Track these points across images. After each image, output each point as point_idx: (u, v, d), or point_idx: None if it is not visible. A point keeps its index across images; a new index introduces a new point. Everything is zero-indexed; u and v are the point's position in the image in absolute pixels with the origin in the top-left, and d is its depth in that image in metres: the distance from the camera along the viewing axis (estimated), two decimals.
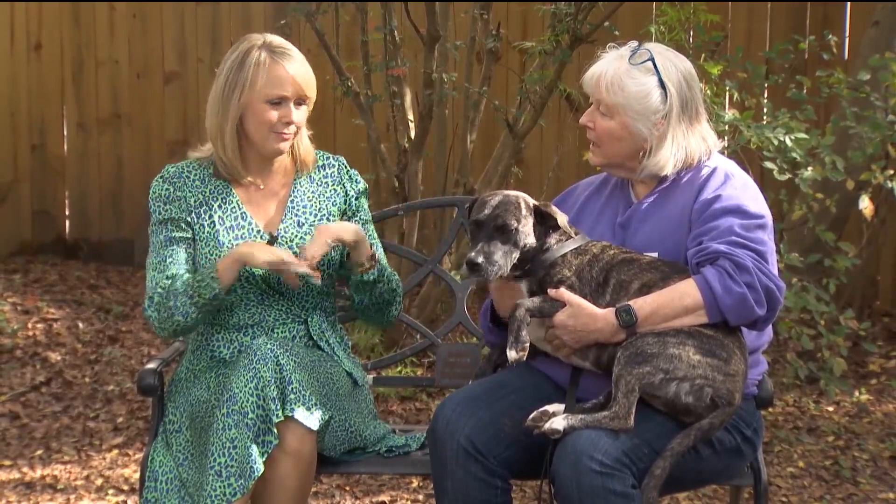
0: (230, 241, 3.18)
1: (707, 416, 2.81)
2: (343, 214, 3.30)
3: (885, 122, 4.71)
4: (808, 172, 4.51)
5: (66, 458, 4.77)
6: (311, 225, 3.24)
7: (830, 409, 5.15)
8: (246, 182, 3.25)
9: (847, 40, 6.20)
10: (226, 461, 2.89)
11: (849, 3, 6.28)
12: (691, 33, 5.10)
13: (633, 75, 2.99)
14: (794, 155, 4.46)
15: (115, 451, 4.83)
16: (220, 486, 2.89)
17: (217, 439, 2.91)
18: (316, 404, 2.98)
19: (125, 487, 4.50)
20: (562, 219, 2.95)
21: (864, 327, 4.80)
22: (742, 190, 2.95)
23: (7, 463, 4.73)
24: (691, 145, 3.02)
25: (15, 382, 5.46)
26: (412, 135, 5.48)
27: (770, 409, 4.59)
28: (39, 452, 4.83)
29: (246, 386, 2.93)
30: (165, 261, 3.15)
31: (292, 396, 2.94)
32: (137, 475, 4.29)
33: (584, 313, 2.86)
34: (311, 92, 3.20)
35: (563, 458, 2.76)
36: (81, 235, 7.28)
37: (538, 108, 5.22)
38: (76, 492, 4.47)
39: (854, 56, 5.83)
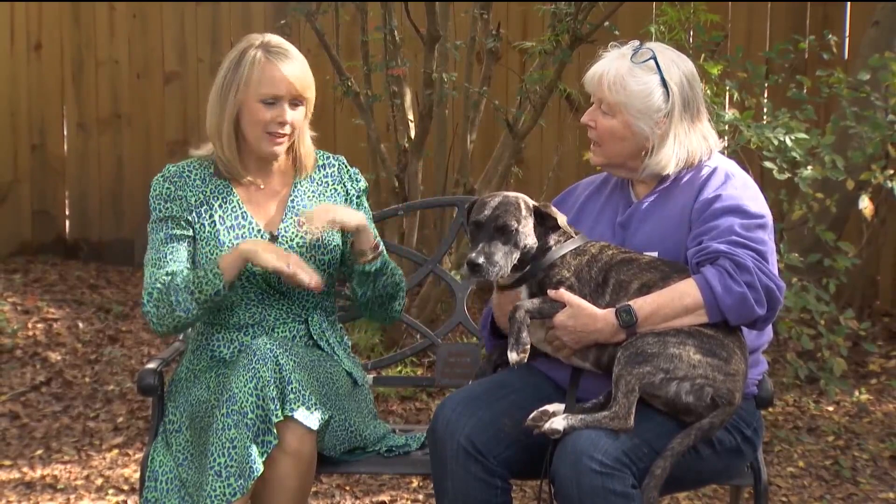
0: (231, 240, 3.18)
1: (707, 416, 2.81)
2: None
3: (885, 122, 4.70)
4: (808, 171, 4.51)
5: (67, 458, 4.77)
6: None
7: (830, 408, 5.15)
8: (246, 181, 3.25)
9: (847, 40, 6.20)
10: (225, 461, 2.89)
11: (849, 3, 6.28)
12: (691, 33, 5.10)
13: (636, 74, 2.99)
14: (794, 154, 4.46)
15: (115, 451, 4.83)
16: (219, 486, 2.89)
17: (217, 439, 2.91)
18: (316, 404, 2.98)
19: (125, 487, 4.51)
20: (561, 219, 2.96)
21: (864, 327, 4.80)
22: (742, 190, 2.95)
23: (7, 463, 4.73)
24: (693, 144, 3.02)
25: (15, 382, 5.46)
26: (412, 135, 5.48)
27: (770, 409, 4.59)
28: (39, 452, 4.83)
29: (245, 386, 2.93)
30: (165, 257, 3.15)
31: (292, 396, 2.94)
32: (137, 475, 4.29)
33: (584, 314, 2.86)
34: (308, 93, 3.19)
35: (563, 458, 2.76)
36: (81, 235, 7.28)
37: (538, 108, 5.22)
38: (76, 492, 4.47)
39: (854, 56, 5.83)
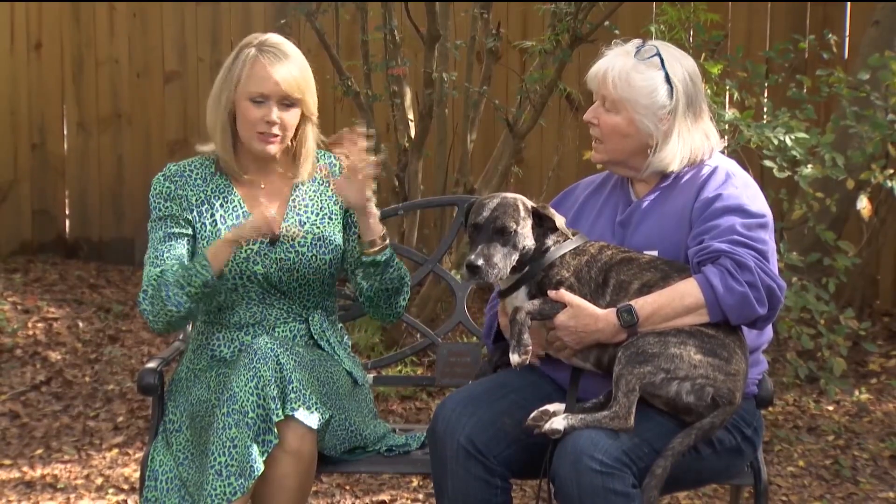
0: None
1: (708, 416, 2.81)
2: (345, 213, 3.30)
3: (885, 122, 4.70)
4: (808, 170, 4.51)
5: (67, 458, 4.77)
6: (312, 224, 3.24)
7: (830, 408, 5.15)
8: (247, 180, 3.25)
9: (847, 40, 6.20)
10: (226, 460, 2.89)
11: (849, 3, 6.28)
12: (691, 33, 5.10)
13: (640, 70, 2.99)
14: (794, 153, 4.46)
15: (116, 451, 4.83)
16: (220, 486, 2.89)
17: (217, 438, 2.91)
18: (316, 403, 2.98)
19: (125, 487, 4.51)
20: (559, 220, 2.95)
21: (864, 327, 4.80)
22: (743, 189, 2.95)
23: (7, 462, 4.73)
24: (695, 142, 3.02)
25: (15, 382, 5.46)
26: (412, 134, 5.48)
27: (770, 409, 4.60)
28: (39, 452, 4.83)
29: (246, 385, 2.93)
30: (163, 256, 3.15)
31: (293, 396, 2.94)
32: (137, 474, 4.29)
33: (584, 314, 2.86)
34: (298, 94, 3.17)
35: (563, 458, 2.76)
36: (81, 235, 7.29)
37: (538, 107, 5.22)
38: (76, 491, 4.48)
39: (854, 55, 5.83)
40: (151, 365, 3.24)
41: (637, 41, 3.07)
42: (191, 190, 3.23)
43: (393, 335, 5.46)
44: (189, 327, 3.45)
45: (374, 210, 3.16)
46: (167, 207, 3.20)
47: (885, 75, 4.77)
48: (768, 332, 3.06)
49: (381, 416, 4.04)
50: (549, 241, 2.95)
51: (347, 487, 4.51)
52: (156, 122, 7.13)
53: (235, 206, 3.23)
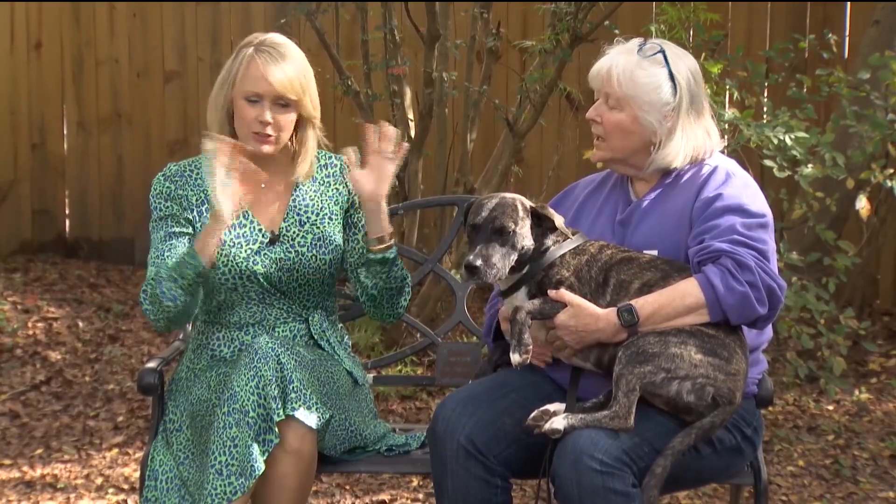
0: (231, 238, 3.18)
1: (708, 415, 2.81)
2: (346, 213, 3.30)
3: (885, 121, 4.70)
4: (808, 170, 4.51)
5: (67, 457, 4.77)
6: (312, 224, 3.24)
7: (830, 407, 5.15)
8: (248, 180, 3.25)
9: (847, 39, 6.20)
10: (226, 460, 2.89)
11: (849, 3, 6.28)
12: (691, 32, 5.10)
13: (644, 67, 3.00)
14: (794, 153, 4.47)
15: (116, 450, 4.84)
16: (220, 485, 2.89)
17: (218, 438, 2.91)
18: (316, 403, 2.98)
19: (125, 486, 4.51)
20: (558, 220, 2.95)
21: (864, 326, 4.80)
22: (743, 189, 2.95)
23: (7, 462, 4.73)
24: (698, 139, 3.03)
25: (15, 381, 5.46)
26: (412, 134, 5.48)
27: (770, 408, 4.60)
28: (39, 451, 4.83)
29: (247, 385, 2.93)
30: (163, 255, 3.15)
31: (293, 395, 2.94)
32: (137, 474, 4.30)
33: (585, 313, 2.86)
34: (293, 95, 3.15)
35: (563, 458, 2.76)
36: (82, 234, 7.29)
37: (538, 107, 5.23)
38: (76, 491, 4.48)
39: (854, 55, 5.83)
40: (151, 365, 3.24)
41: (638, 39, 3.07)
42: (191, 190, 3.23)
43: (393, 335, 5.46)
44: (189, 327, 3.46)
45: (385, 206, 3.16)
46: (168, 207, 3.20)
47: (885, 75, 4.77)
48: (768, 331, 3.06)
49: (381, 416, 4.04)
50: (549, 241, 2.95)
51: (347, 487, 4.51)
52: (156, 122, 7.13)
53: None
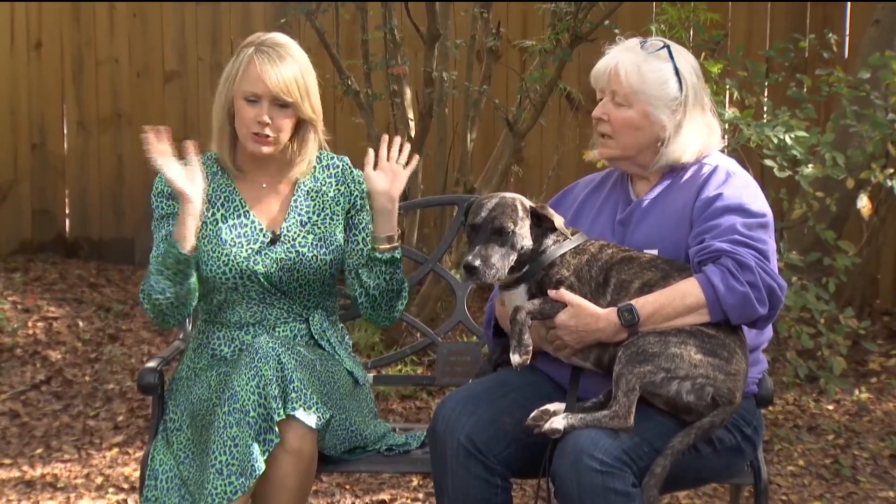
0: (232, 238, 3.18)
1: (708, 415, 2.81)
2: (347, 214, 3.30)
3: (885, 121, 4.70)
4: (809, 170, 4.51)
5: (67, 457, 4.77)
6: (313, 224, 3.24)
7: (830, 407, 5.15)
8: (249, 179, 3.25)
9: (847, 39, 6.20)
10: (227, 459, 2.90)
11: (849, 3, 6.28)
12: (691, 32, 5.10)
13: (650, 62, 3.01)
14: (794, 153, 4.47)
15: (116, 450, 4.84)
16: (220, 485, 2.89)
17: (218, 437, 2.91)
18: (317, 403, 2.98)
19: (125, 486, 4.51)
20: (558, 220, 2.95)
21: (864, 326, 4.80)
22: (744, 188, 2.95)
23: (7, 461, 4.73)
24: (704, 134, 3.04)
25: (15, 381, 5.46)
26: (412, 133, 5.48)
27: (770, 408, 4.59)
28: (39, 451, 4.83)
29: (247, 384, 2.93)
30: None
31: (293, 395, 2.94)
32: (138, 474, 4.30)
33: (585, 313, 2.86)
34: (291, 96, 3.14)
35: (563, 457, 2.76)
36: (82, 234, 7.29)
37: (538, 106, 5.23)
38: (76, 490, 4.48)
39: (854, 55, 5.83)
40: (151, 364, 3.24)
41: (638, 38, 3.09)
42: None
43: (393, 335, 5.46)
44: (189, 326, 3.46)
45: (397, 205, 3.18)
46: (169, 206, 3.20)
47: (886, 75, 4.77)
48: (768, 331, 3.06)
49: (382, 416, 4.04)
50: (549, 241, 2.95)
51: (347, 487, 4.51)
52: (156, 121, 6.99)
53: (237, 205, 3.23)
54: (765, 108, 4.86)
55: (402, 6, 5.34)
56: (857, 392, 5.20)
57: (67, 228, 7.32)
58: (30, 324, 6.03)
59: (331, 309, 3.33)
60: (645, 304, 2.83)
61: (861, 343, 5.09)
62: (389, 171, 3.18)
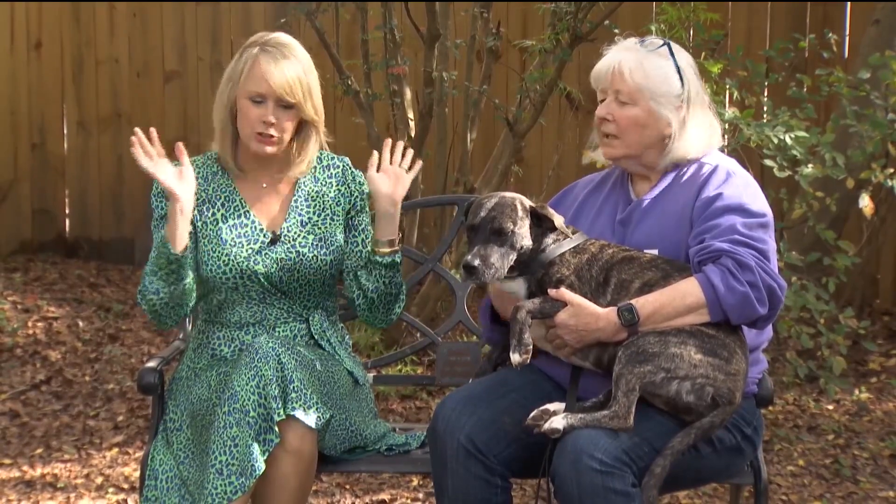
0: (232, 238, 3.18)
1: (708, 415, 2.81)
2: (347, 215, 3.30)
3: (885, 121, 4.70)
4: (809, 170, 4.51)
5: (67, 457, 4.77)
6: (314, 224, 3.24)
7: (830, 407, 5.15)
8: (249, 179, 3.25)
9: (847, 39, 6.20)
10: (227, 459, 2.90)
11: (849, 2, 6.28)
12: (691, 32, 5.10)
13: (652, 60, 3.02)
14: (794, 153, 4.47)
15: (116, 450, 4.83)
16: (220, 485, 2.89)
17: (218, 437, 2.91)
18: (317, 403, 2.98)
19: (125, 486, 4.51)
20: (558, 220, 2.95)
21: (864, 326, 4.80)
22: (744, 188, 2.95)
23: (7, 461, 4.73)
24: (706, 131, 3.05)
25: (15, 381, 5.46)
26: (412, 133, 5.48)
27: (770, 408, 4.59)
28: (39, 451, 4.83)
29: (247, 384, 2.93)
30: None
31: (294, 395, 2.94)
32: (138, 474, 4.30)
33: (585, 312, 2.86)
34: (295, 97, 3.14)
35: (563, 457, 2.76)
36: (82, 234, 7.29)
37: (538, 106, 5.23)
38: (76, 490, 4.48)
39: (854, 55, 5.83)
40: (151, 364, 3.24)
41: (635, 38, 3.09)
42: None
43: (393, 334, 5.46)
44: (189, 326, 3.46)
45: (399, 209, 3.18)
46: (168, 206, 3.19)
47: (886, 74, 4.77)
48: (768, 331, 3.06)
49: (381, 416, 4.04)
50: (549, 240, 2.95)
51: (347, 487, 4.51)
52: (156, 121, 7.10)
53: (237, 205, 3.23)
54: (765, 108, 4.86)
55: (402, 6, 5.34)
56: (857, 392, 5.21)
57: (67, 228, 7.32)
58: (30, 324, 6.03)
59: (331, 309, 3.33)
60: (645, 303, 2.83)
61: (861, 343, 5.09)
62: (392, 175, 3.17)
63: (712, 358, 2.81)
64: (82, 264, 7.11)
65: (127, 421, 5.11)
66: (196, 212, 3.20)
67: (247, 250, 3.18)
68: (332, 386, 3.11)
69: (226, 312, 3.22)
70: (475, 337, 3.69)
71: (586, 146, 3.23)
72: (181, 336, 3.50)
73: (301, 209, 3.25)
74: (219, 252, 3.17)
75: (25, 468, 4.66)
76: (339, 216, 3.28)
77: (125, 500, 4.39)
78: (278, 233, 3.22)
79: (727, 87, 4.80)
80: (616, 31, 4.57)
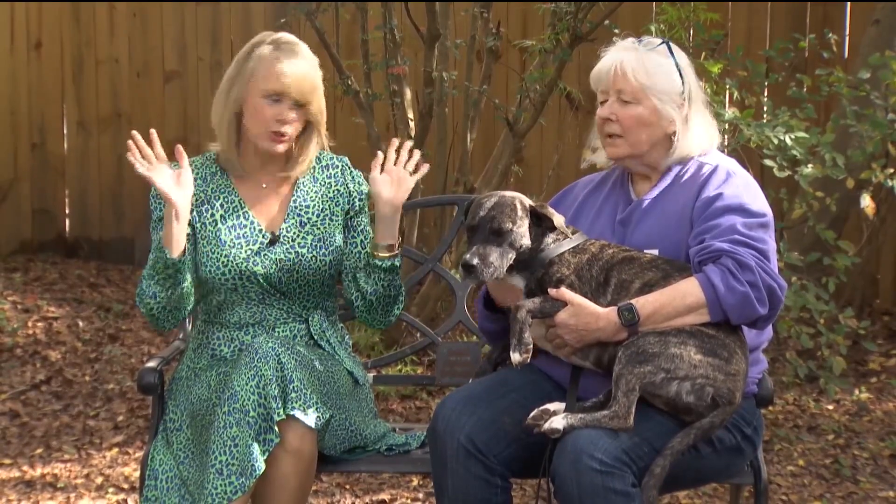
0: (232, 239, 3.18)
1: (708, 416, 2.81)
2: (346, 214, 3.29)
3: (885, 121, 4.70)
4: (808, 170, 4.51)
5: (67, 457, 4.77)
6: (313, 225, 3.24)
7: (830, 407, 5.15)
8: (249, 180, 3.25)
9: (847, 39, 6.20)
10: (227, 459, 2.90)
11: (849, 2, 6.28)
12: (691, 32, 5.10)
13: (653, 58, 3.02)
14: (794, 153, 4.47)
15: (116, 450, 4.83)
16: (220, 485, 2.89)
17: (218, 437, 2.91)
18: (317, 403, 2.98)
19: (125, 486, 4.51)
20: (558, 220, 2.95)
21: (864, 326, 4.80)
22: (744, 188, 2.95)
23: (7, 461, 4.73)
24: (707, 130, 3.06)
25: (15, 381, 5.46)
26: (412, 133, 5.48)
27: (770, 408, 4.59)
28: (39, 451, 4.83)
29: (247, 384, 2.93)
30: None
31: (293, 395, 2.94)
32: (138, 474, 4.29)
33: (585, 312, 2.86)
34: (311, 95, 3.16)
35: (563, 457, 2.76)
36: (82, 234, 7.29)
37: (538, 106, 5.23)
38: (76, 490, 4.48)
39: (854, 55, 5.83)
40: (151, 364, 3.24)
41: (632, 38, 3.10)
42: None
43: (393, 335, 5.46)
44: (189, 326, 3.46)
45: (400, 214, 3.17)
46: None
47: (886, 74, 4.77)
48: (768, 331, 3.06)
49: (381, 416, 4.04)
50: (549, 240, 2.95)
51: (347, 487, 4.51)
52: (156, 122, 7.11)
53: (236, 205, 3.23)
54: (765, 108, 4.86)
55: (402, 6, 5.34)
56: (857, 392, 5.20)
57: (67, 228, 7.32)
58: (30, 324, 6.03)
59: (330, 309, 3.33)
60: (645, 303, 2.83)
61: (861, 343, 5.09)
62: (395, 178, 3.15)
63: (712, 358, 2.81)
64: (82, 264, 7.11)
65: (127, 421, 5.11)
66: (195, 213, 3.19)
67: (246, 251, 3.18)
68: (331, 386, 3.11)
69: (225, 313, 3.22)
70: (475, 337, 3.69)
71: (585, 149, 3.23)
72: (181, 336, 3.50)
73: (300, 210, 3.25)
74: (218, 253, 3.17)
75: (25, 468, 4.66)
76: (338, 217, 3.28)
77: (125, 500, 4.39)
78: (277, 233, 3.22)
79: (727, 87, 4.80)
80: (616, 31, 4.59)
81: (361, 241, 3.27)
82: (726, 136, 4.56)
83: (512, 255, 2.90)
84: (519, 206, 2.92)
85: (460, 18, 5.71)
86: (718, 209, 2.90)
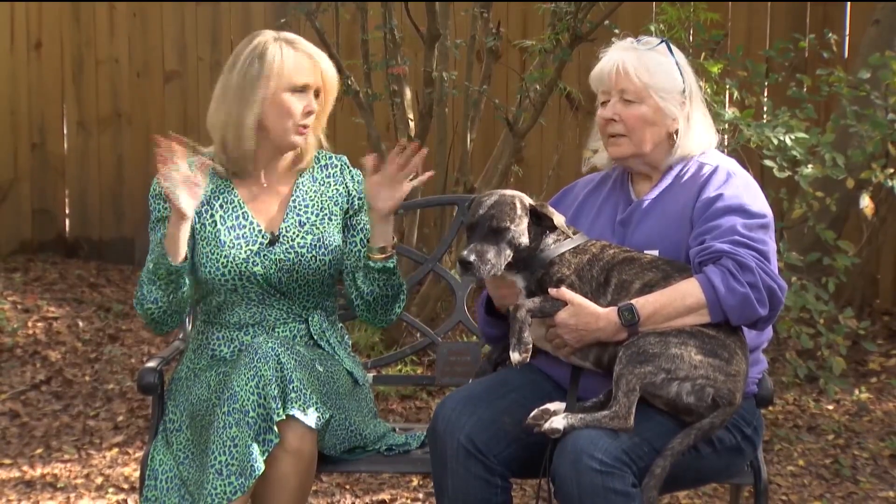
0: (231, 240, 3.18)
1: (708, 416, 2.81)
2: (345, 213, 3.29)
3: (885, 121, 4.70)
4: (808, 170, 4.51)
5: (67, 457, 4.77)
6: (312, 224, 3.23)
7: (830, 407, 5.15)
8: (248, 180, 3.24)
9: (847, 39, 6.20)
10: (226, 459, 2.89)
11: (849, 2, 6.28)
12: (691, 32, 5.10)
13: (654, 57, 3.03)
14: (794, 153, 4.47)
15: (116, 450, 4.83)
16: (220, 485, 2.89)
17: (218, 437, 2.91)
18: (316, 403, 2.98)
19: (125, 486, 4.51)
20: (558, 219, 2.95)
21: (864, 326, 4.80)
22: (744, 189, 2.95)
23: (7, 461, 4.73)
24: (708, 128, 3.06)
25: (15, 381, 5.46)
26: (412, 133, 5.48)
27: (770, 408, 4.60)
28: (39, 451, 4.83)
29: (247, 384, 2.93)
30: None
31: (293, 395, 2.94)
32: (137, 474, 4.29)
33: (585, 312, 2.86)
34: (333, 82, 3.21)
35: (563, 457, 2.76)
36: (82, 234, 7.29)
37: (538, 106, 5.23)
38: (76, 490, 4.48)
39: (854, 55, 5.83)
40: (151, 364, 3.24)
41: (630, 38, 3.11)
42: None
43: (393, 334, 5.46)
44: (189, 327, 3.46)
45: (393, 217, 3.16)
46: (166, 209, 3.18)
47: (886, 74, 4.77)
48: (768, 331, 3.06)
49: (381, 416, 4.04)
50: (549, 240, 2.95)
51: (347, 487, 4.51)
52: (156, 121, 7.12)
53: (235, 206, 3.23)
54: (765, 109, 4.86)
55: (402, 6, 5.34)
56: (856, 392, 5.21)
57: (67, 228, 7.33)
58: (30, 324, 6.03)
59: (330, 309, 3.33)
60: (645, 303, 2.83)
61: (861, 343, 5.09)
62: (392, 181, 3.13)
63: (713, 359, 2.81)
64: (82, 264, 7.11)
65: (127, 421, 5.11)
66: (195, 214, 3.19)
67: (245, 252, 3.18)
68: (331, 386, 3.11)
69: (225, 313, 3.22)
70: (475, 337, 3.69)
71: (585, 148, 3.23)
72: (181, 336, 3.49)
73: (300, 209, 3.25)
74: (217, 254, 3.17)
75: (25, 468, 4.66)
76: (337, 215, 3.28)
77: (125, 500, 4.39)
78: (277, 233, 3.21)
79: (727, 87, 4.80)
80: (616, 31, 4.59)
81: (361, 239, 3.27)
82: (726, 137, 4.56)
83: (510, 254, 2.90)
84: (518, 205, 2.92)
85: (460, 18, 5.71)
86: (719, 210, 2.90)
